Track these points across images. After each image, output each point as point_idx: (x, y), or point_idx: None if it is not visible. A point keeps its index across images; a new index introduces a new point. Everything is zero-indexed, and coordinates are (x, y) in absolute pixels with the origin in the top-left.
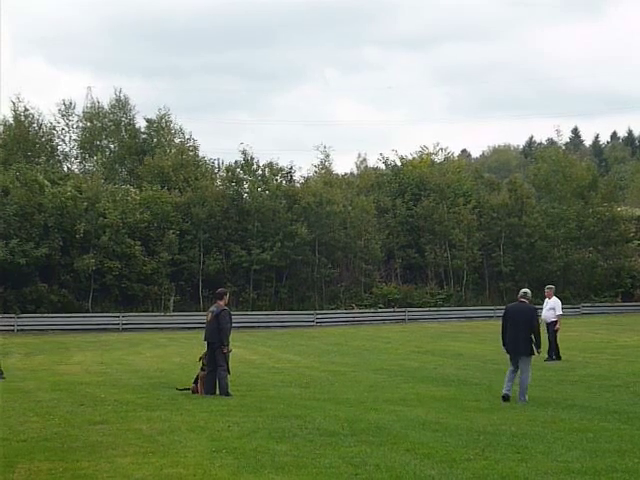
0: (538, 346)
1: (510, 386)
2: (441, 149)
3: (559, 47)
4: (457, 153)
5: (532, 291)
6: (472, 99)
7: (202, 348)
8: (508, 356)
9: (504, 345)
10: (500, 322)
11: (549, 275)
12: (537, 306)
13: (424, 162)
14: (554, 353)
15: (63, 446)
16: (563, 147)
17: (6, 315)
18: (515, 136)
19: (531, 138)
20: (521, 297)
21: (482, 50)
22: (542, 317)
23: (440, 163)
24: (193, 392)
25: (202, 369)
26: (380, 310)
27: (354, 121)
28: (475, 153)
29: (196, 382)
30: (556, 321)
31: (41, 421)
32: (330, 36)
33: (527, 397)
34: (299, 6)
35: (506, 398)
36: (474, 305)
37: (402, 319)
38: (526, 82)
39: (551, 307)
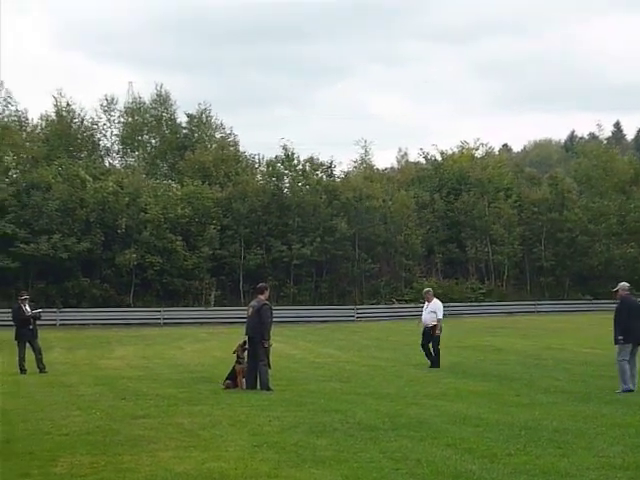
0: None
1: (635, 380)
2: (482, 144)
3: (600, 40)
4: (498, 147)
5: (574, 287)
6: (513, 93)
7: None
8: (618, 348)
9: (623, 335)
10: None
11: (590, 270)
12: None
13: (464, 157)
14: (436, 359)
15: (105, 440)
16: (605, 141)
17: (48, 309)
18: (556, 130)
19: (572, 132)
20: (626, 290)
21: (523, 43)
22: (422, 321)
23: (481, 158)
24: (227, 388)
25: (238, 362)
26: (421, 305)
27: (395, 115)
28: (516, 147)
29: (230, 378)
30: (436, 325)
31: (83, 415)
32: (371, 30)
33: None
34: (341, 1)
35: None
36: (515, 300)
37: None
38: (567, 75)
39: (432, 310)
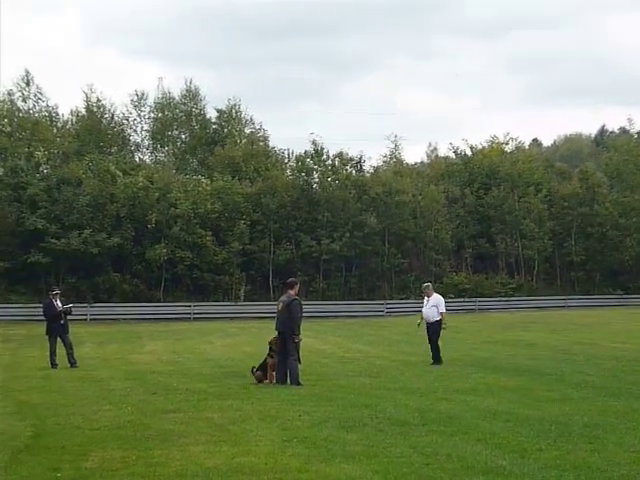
0: None
1: None
2: (511, 138)
3: (631, 34)
4: (528, 142)
5: (605, 281)
6: (543, 87)
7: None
8: None
9: None
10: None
11: (621, 265)
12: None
13: (494, 151)
14: (436, 355)
15: (136, 434)
16: (635, 135)
17: (79, 304)
18: (587, 124)
19: (603, 127)
20: None
21: (553, 37)
22: (424, 316)
23: (511, 152)
24: (259, 381)
25: (270, 356)
26: (450, 300)
27: (424, 110)
28: (546, 142)
29: (261, 369)
30: (440, 320)
31: (114, 410)
32: (400, 24)
33: None
34: None
35: None
36: (545, 295)
37: (472, 309)
38: (598, 70)
39: (433, 305)
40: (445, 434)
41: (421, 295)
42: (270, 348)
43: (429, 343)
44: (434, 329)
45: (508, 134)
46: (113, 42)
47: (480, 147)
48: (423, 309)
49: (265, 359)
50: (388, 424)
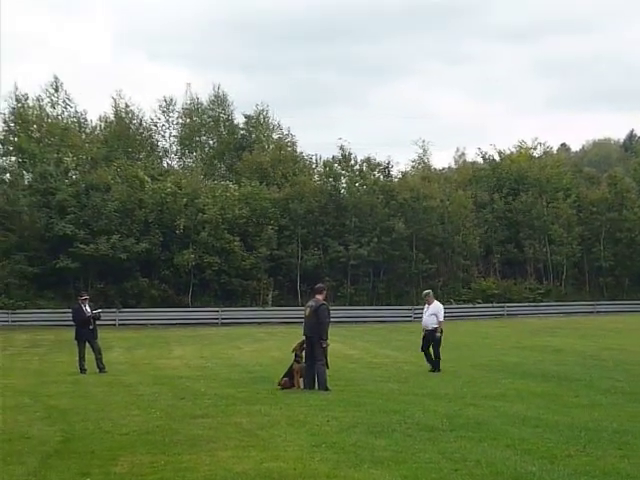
0: None
1: None
2: (540, 143)
3: None
4: (556, 147)
5: (634, 287)
6: (571, 91)
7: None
8: None
9: None
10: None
11: None
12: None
13: (522, 156)
14: (436, 362)
15: (164, 439)
16: None
17: (107, 309)
18: (615, 129)
19: (632, 131)
20: None
21: (582, 42)
22: (422, 324)
23: (539, 157)
24: (283, 387)
25: (297, 361)
26: (479, 305)
27: (453, 114)
28: (575, 147)
29: (288, 376)
30: (437, 328)
31: (143, 415)
32: (430, 29)
33: None
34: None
35: None
36: (574, 300)
37: (501, 314)
38: (627, 74)
39: (432, 313)
40: (474, 440)
41: (449, 301)
42: (295, 354)
43: (422, 350)
44: (432, 337)
45: (536, 139)
46: (141, 48)
47: (508, 152)
48: (423, 316)
49: (291, 365)
50: (416, 430)
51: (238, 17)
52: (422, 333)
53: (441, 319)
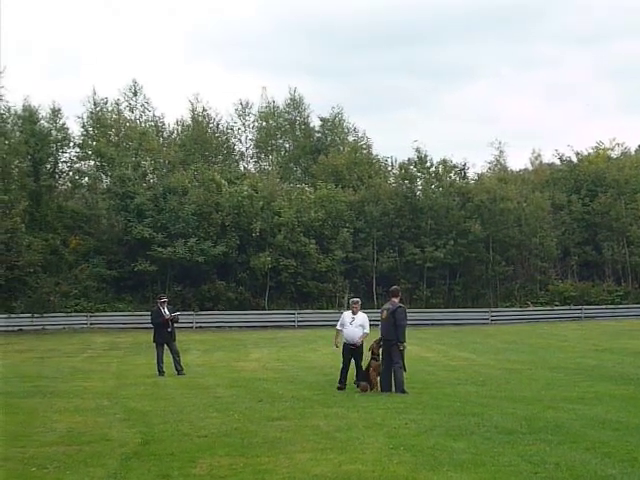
0: None
1: None
2: (617, 144)
3: None
4: (634, 148)
5: None
6: None
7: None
8: None
9: None
10: None
11: None
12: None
13: (600, 157)
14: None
15: (243, 442)
16: None
17: (185, 312)
18: None
19: None
20: None
21: None
22: (347, 336)
23: (617, 158)
24: (363, 390)
25: (374, 359)
26: (556, 308)
27: (526, 118)
28: None
29: (362, 377)
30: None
31: (221, 417)
32: (500, 33)
33: None
34: (469, 3)
35: None
36: None
37: (578, 317)
38: None
39: (360, 324)
40: (553, 443)
41: (526, 303)
42: (372, 352)
43: (343, 365)
44: (360, 352)
45: (614, 139)
46: (215, 54)
47: (585, 153)
48: (346, 327)
49: (369, 364)
50: (495, 432)
51: (308, 25)
52: (339, 347)
53: (367, 331)
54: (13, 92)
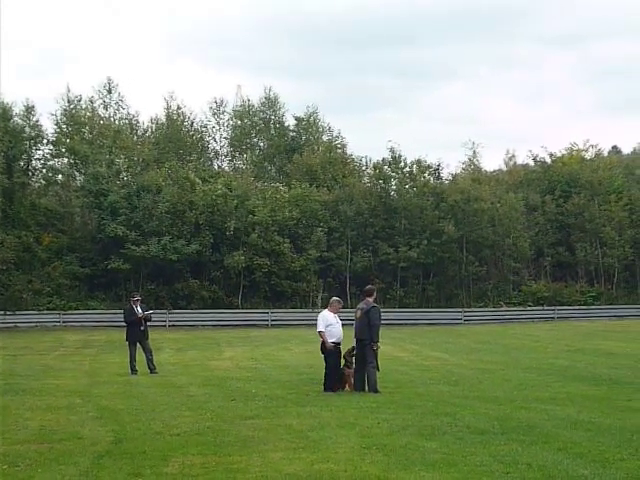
0: None
1: None
2: (591, 145)
3: None
4: (607, 149)
5: None
6: (622, 95)
7: (350, 344)
8: None
9: None
10: None
11: None
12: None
13: (574, 159)
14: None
15: (215, 440)
16: None
17: (158, 310)
18: None
19: None
20: None
21: (633, 45)
22: (338, 336)
23: (590, 160)
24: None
25: (347, 366)
26: (529, 308)
27: (503, 118)
28: (626, 149)
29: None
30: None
31: (193, 415)
32: (481, 34)
33: None
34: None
35: None
36: (625, 303)
37: (551, 317)
38: None
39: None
40: (525, 443)
41: (499, 303)
42: (345, 359)
43: (332, 367)
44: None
45: (588, 141)
46: (191, 52)
47: (559, 155)
48: (333, 326)
49: (342, 371)
50: (467, 432)
51: (288, 24)
52: (331, 347)
53: (319, 329)
54: None
